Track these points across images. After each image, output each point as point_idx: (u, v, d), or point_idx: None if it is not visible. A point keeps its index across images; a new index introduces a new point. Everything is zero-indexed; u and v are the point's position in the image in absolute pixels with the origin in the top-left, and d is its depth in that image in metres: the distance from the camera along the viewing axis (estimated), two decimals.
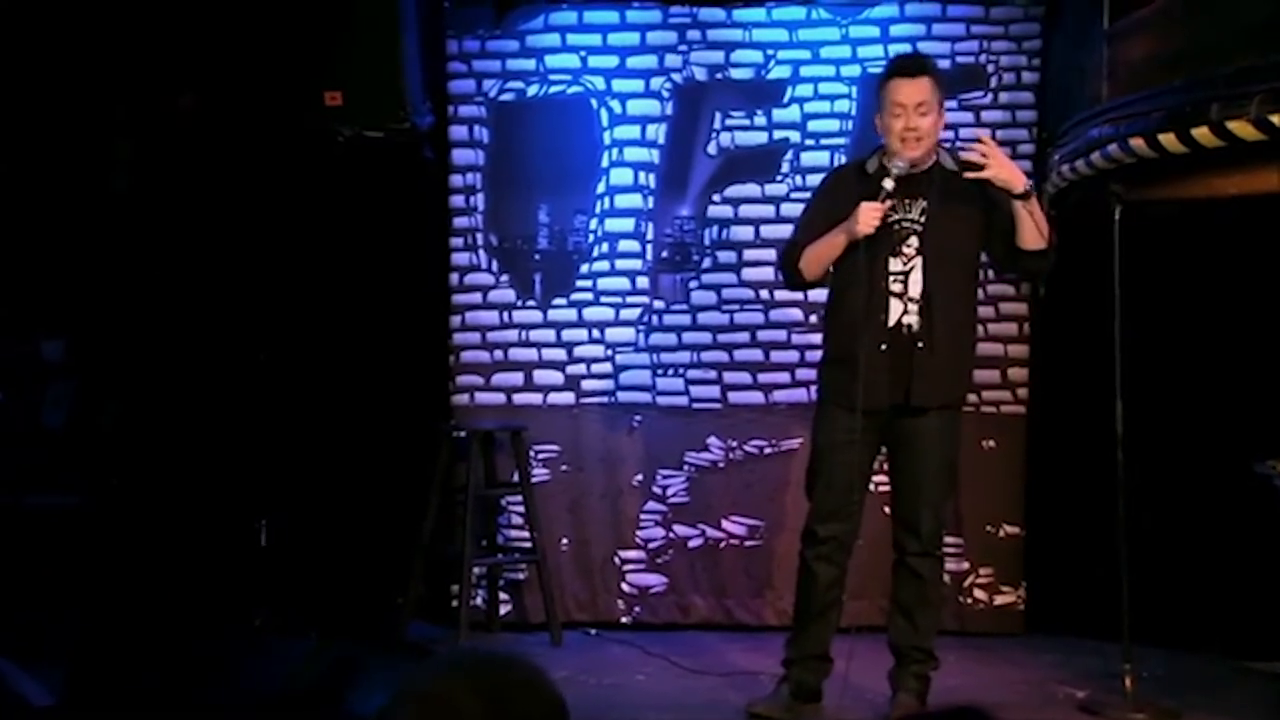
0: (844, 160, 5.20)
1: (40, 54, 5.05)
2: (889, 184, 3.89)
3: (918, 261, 3.92)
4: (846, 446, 3.96)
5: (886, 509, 4.27)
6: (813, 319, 5.21)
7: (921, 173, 3.96)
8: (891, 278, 3.94)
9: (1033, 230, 3.88)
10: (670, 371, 5.45)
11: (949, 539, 5.27)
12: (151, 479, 5.16)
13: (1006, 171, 3.84)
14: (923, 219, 3.94)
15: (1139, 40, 4.30)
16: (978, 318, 4.11)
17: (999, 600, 5.36)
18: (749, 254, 5.40)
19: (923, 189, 3.92)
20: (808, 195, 4.56)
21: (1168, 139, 3.96)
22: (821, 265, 4.03)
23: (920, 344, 3.89)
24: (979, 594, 5.37)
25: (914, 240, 3.94)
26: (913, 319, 3.91)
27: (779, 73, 5.43)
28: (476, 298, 5.48)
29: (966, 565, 5.36)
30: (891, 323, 3.93)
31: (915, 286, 3.92)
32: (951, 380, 3.94)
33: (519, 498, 5.26)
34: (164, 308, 5.28)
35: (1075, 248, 4.96)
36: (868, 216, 3.86)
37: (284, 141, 5.17)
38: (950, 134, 5.34)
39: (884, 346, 3.92)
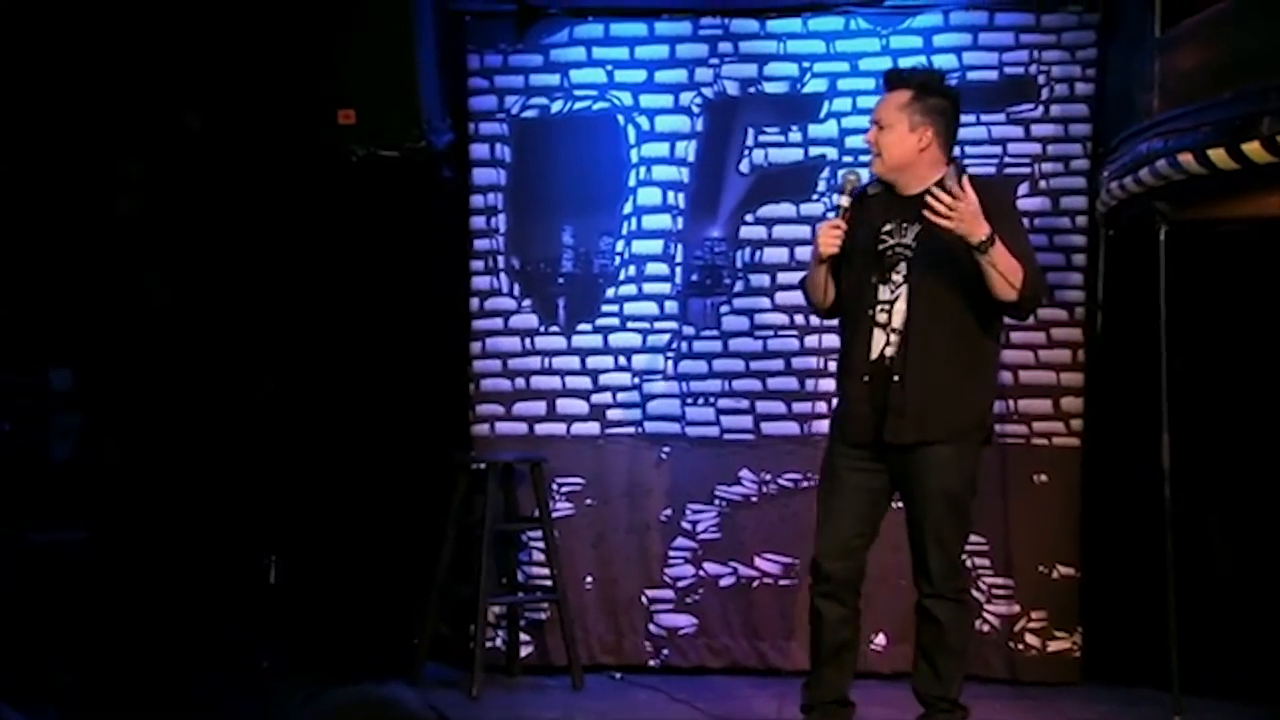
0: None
1: (46, 73, 5.15)
2: (844, 200, 3.92)
3: (904, 290, 3.89)
4: (843, 481, 3.97)
5: None
6: None
7: (918, 194, 3.90)
8: (879, 306, 3.91)
9: (998, 281, 3.78)
10: (700, 400, 5.45)
11: (997, 580, 5.28)
12: (158, 512, 5.23)
13: (966, 225, 3.70)
14: (915, 244, 3.90)
15: (1189, 50, 4.25)
16: (980, 349, 3.98)
17: (1053, 646, 5.28)
18: (783, 277, 5.38)
19: (918, 212, 3.85)
20: None
21: (1218, 154, 3.92)
22: (817, 290, 4.04)
23: (896, 377, 3.87)
24: (1031, 639, 5.30)
25: (903, 267, 3.90)
26: (892, 350, 3.88)
27: (815, 86, 5.42)
28: (497, 323, 5.51)
29: (1017, 608, 5.29)
30: (874, 354, 3.91)
31: (899, 316, 3.88)
32: (931, 416, 3.87)
33: (540, 533, 5.27)
34: (173, 334, 5.36)
35: (1130, 270, 4.95)
36: (824, 236, 3.90)
37: (295, 161, 5.24)
38: (998, 149, 5.36)
39: (866, 379, 3.91)
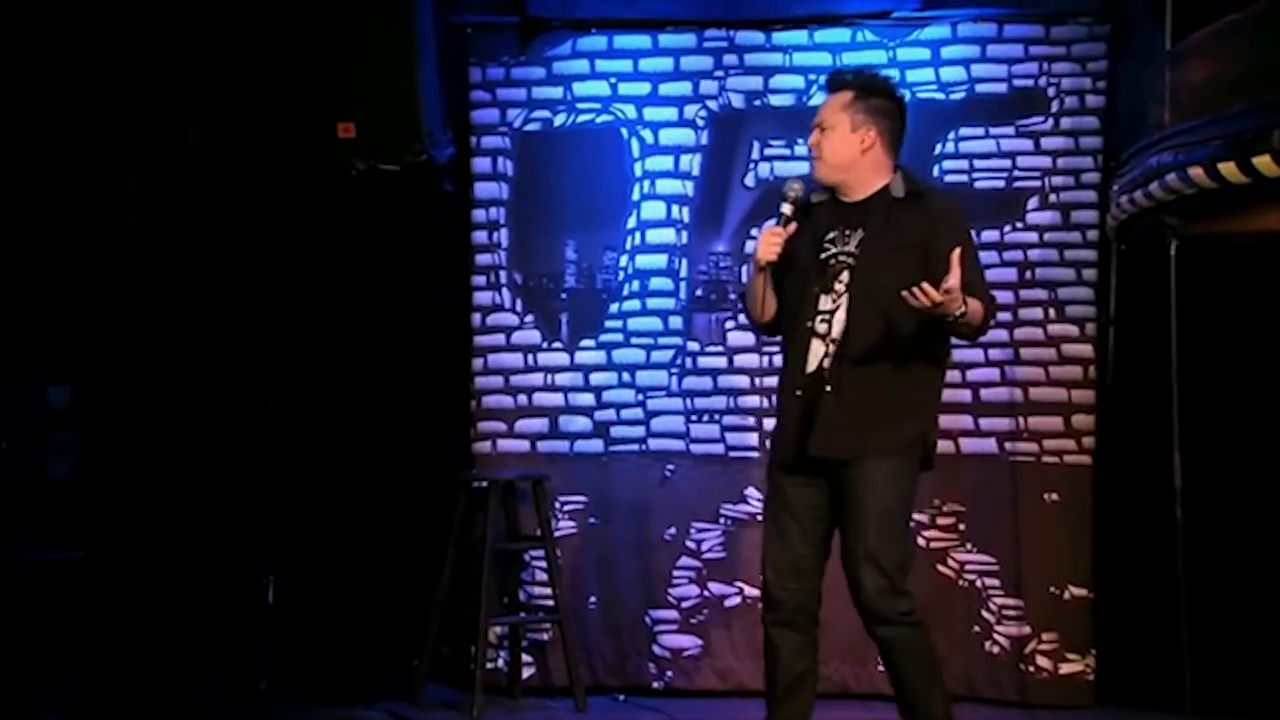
0: None
1: (45, 88, 5.18)
2: (786, 207, 3.81)
3: (845, 299, 3.76)
4: (787, 497, 3.82)
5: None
6: None
7: (863, 201, 3.82)
8: (819, 317, 3.76)
9: (962, 330, 3.67)
10: (705, 417, 5.43)
11: (1007, 601, 5.26)
12: (157, 531, 5.24)
13: (943, 308, 3.54)
14: (858, 252, 3.77)
15: (1200, 62, 4.24)
16: (922, 362, 3.79)
17: (1065, 669, 5.25)
18: None
19: (861, 219, 3.78)
20: None
21: (1228, 168, 3.90)
22: (755, 303, 3.86)
23: (828, 388, 3.72)
24: (1042, 662, 5.27)
25: (846, 276, 3.76)
26: (829, 361, 3.74)
27: (821, 99, 5.41)
28: (499, 339, 5.50)
29: (1028, 630, 5.27)
30: (811, 367, 3.76)
31: (838, 326, 3.73)
32: (865, 430, 3.68)
33: (542, 552, 5.27)
34: (172, 351, 5.37)
35: (1143, 285, 4.94)
36: (762, 242, 3.79)
37: (295, 176, 5.25)
38: (1007, 162, 5.35)
39: (799, 392, 3.77)
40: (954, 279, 3.51)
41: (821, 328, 3.78)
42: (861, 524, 3.70)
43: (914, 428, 3.79)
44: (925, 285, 3.52)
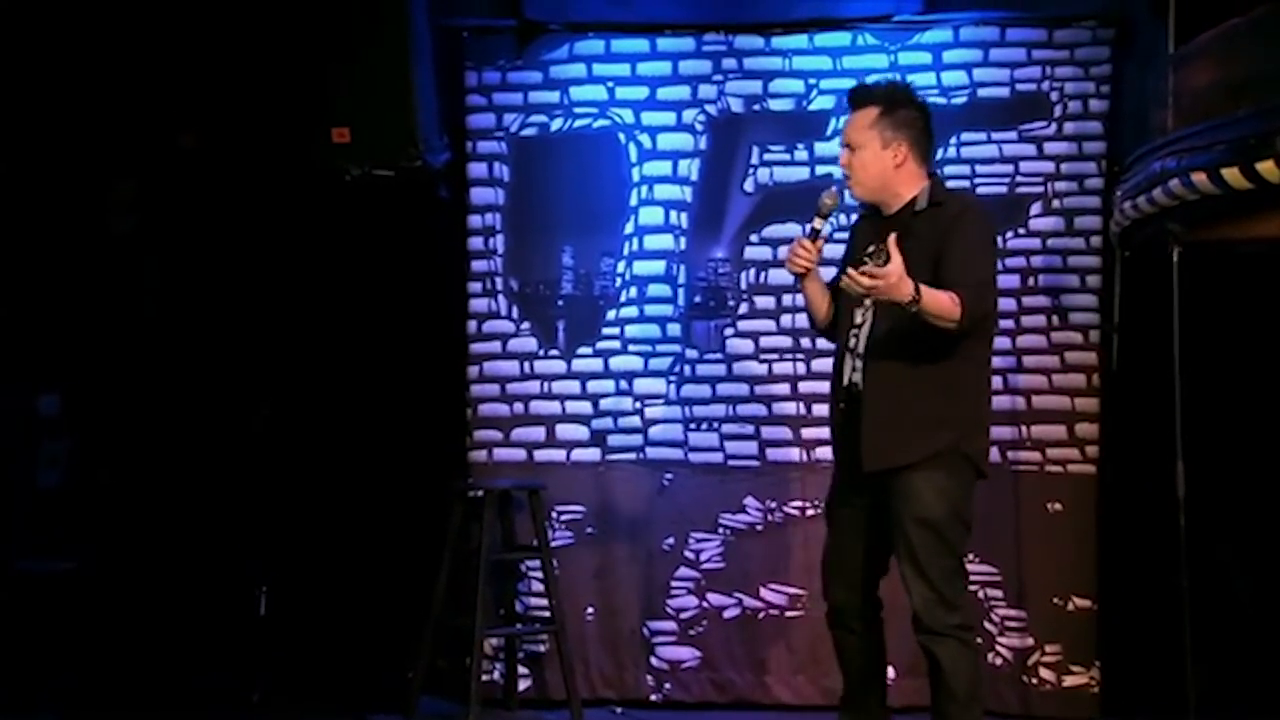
0: None
1: (38, 92, 5.19)
2: (818, 221, 3.91)
3: (870, 313, 3.89)
4: (836, 514, 4.01)
5: None
6: None
7: (897, 213, 3.92)
8: (852, 331, 3.94)
9: (933, 321, 3.73)
10: (704, 426, 5.43)
11: (1010, 612, 5.26)
12: (148, 541, 5.24)
13: (889, 293, 3.64)
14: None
15: (1203, 66, 4.24)
16: (949, 369, 3.84)
17: (1069, 681, 5.25)
18: (788, 299, 5.36)
19: (892, 231, 3.83)
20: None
21: (1231, 173, 3.90)
22: (811, 309, 4.07)
23: (862, 402, 3.87)
24: (1045, 674, 5.27)
25: None
26: (859, 376, 3.89)
27: (822, 103, 5.42)
28: (495, 347, 5.51)
29: (1031, 641, 5.26)
30: (846, 380, 3.92)
31: (864, 341, 3.89)
32: (895, 442, 3.80)
33: (538, 562, 5.26)
34: (165, 358, 5.38)
35: (1148, 292, 4.93)
36: (792, 255, 3.92)
37: (289, 181, 5.27)
38: (1010, 168, 5.36)
39: (841, 405, 3.94)
40: (893, 266, 3.60)
41: (853, 342, 3.92)
42: (907, 536, 3.83)
43: (948, 434, 3.85)
44: (850, 270, 3.65)
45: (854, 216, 4.27)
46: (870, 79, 4.59)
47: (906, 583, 3.86)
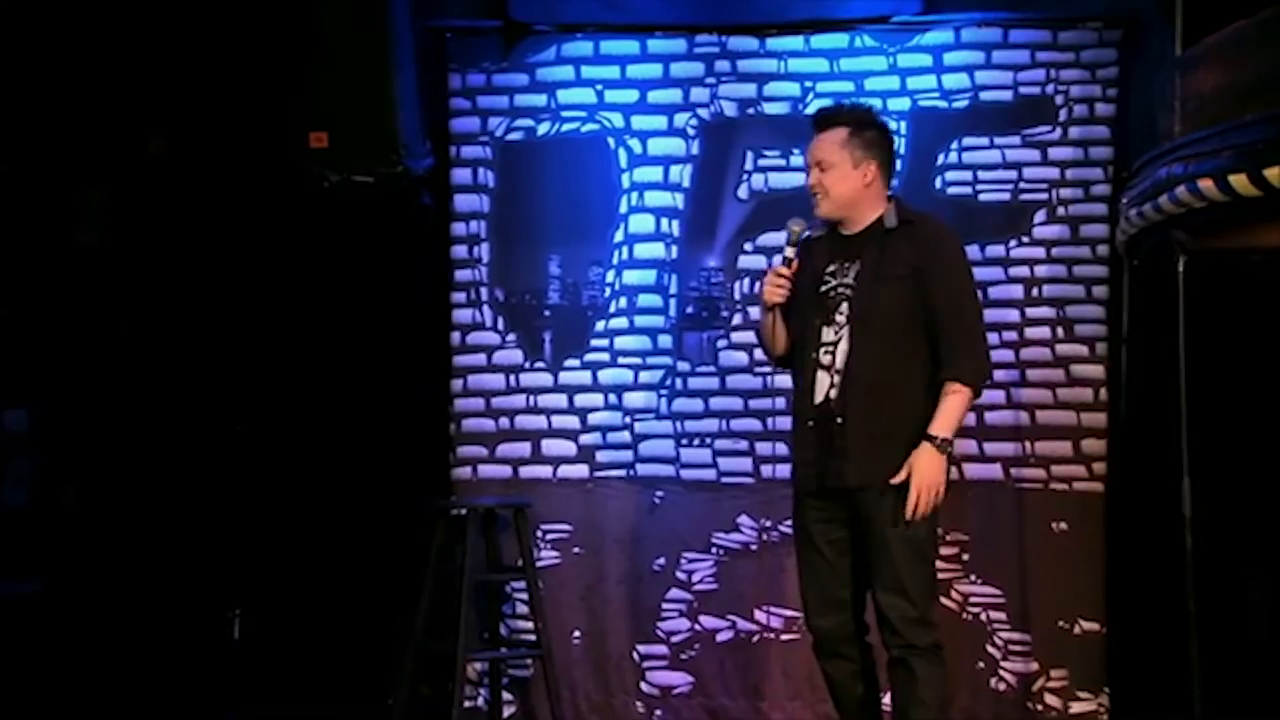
0: None
1: (2, 98, 5.18)
2: (789, 250, 4.03)
3: (846, 330, 3.96)
4: (810, 534, 4.03)
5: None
6: None
7: (860, 233, 4.01)
8: (823, 349, 3.98)
9: None
10: (696, 441, 5.44)
11: (1014, 636, 5.26)
12: (117, 563, 5.23)
13: (938, 486, 3.89)
14: (855, 282, 3.98)
15: (1210, 70, 4.24)
16: (928, 386, 3.93)
17: (1076, 707, 5.26)
18: None
19: (859, 250, 3.98)
20: None
21: (1239, 180, 3.91)
22: (769, 339, 4.13)
23: (839, 419, 3.93)
24: (1051, 700, 5.27)
25: (845, 307, 3.98)
26: (835, 392, 3.95)
27: (818, 107, 5.43)
28: (480, 359, 5.51)
29: (1035, 666, 5.27)
30: (819, 398, 3.97)
31: (841, 357, 3.95)
32: (874, 458, 3.89)
33: (524, 583, 5.26)
34: (135, 372, 5.37)
35: (1157, 302, 4.93)
36: (768, 285, 4.03)
37: (264, 188, 5.26)
38: (1013, 174, 5.36)
39: (810, 423, 3.99)
40: (918, 482, 3.84)
41: (826, 359, 3.98)
42: (887, 553, 3.89)
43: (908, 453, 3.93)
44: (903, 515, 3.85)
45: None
46: (830, 102, 4.65)
47: (884, 599, 3.90)
